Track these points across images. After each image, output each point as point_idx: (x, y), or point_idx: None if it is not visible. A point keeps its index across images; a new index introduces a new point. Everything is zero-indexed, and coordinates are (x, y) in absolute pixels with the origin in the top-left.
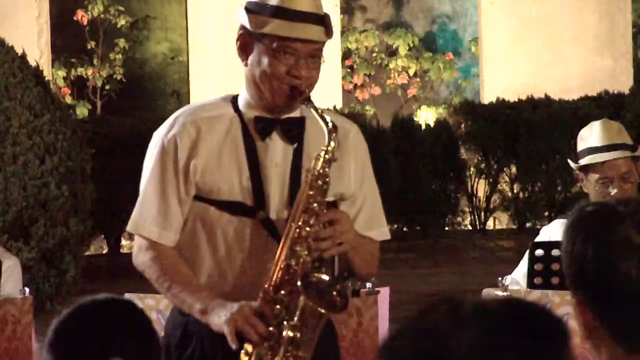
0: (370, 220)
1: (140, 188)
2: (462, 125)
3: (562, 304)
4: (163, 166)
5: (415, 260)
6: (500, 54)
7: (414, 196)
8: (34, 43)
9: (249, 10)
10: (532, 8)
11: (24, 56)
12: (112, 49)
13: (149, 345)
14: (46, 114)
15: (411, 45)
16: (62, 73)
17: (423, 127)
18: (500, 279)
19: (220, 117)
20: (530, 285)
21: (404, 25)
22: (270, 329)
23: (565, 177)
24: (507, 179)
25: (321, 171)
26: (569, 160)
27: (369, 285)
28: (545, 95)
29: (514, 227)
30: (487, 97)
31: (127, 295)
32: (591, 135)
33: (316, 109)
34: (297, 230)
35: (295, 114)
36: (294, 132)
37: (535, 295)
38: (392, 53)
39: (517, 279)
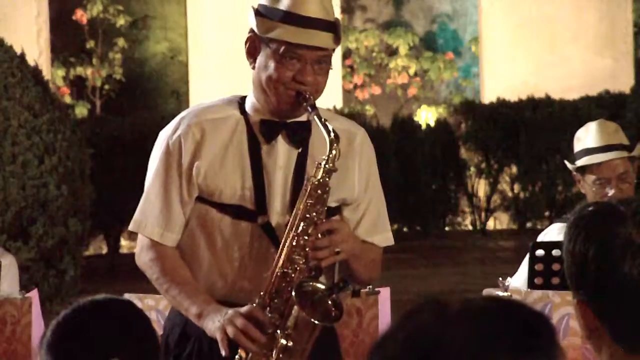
0: (374, 225)
1: (145, 187)
2: (462, 125)
3: (562, 304)
4: (167, 167)
5: (415, 260)
6: (500, 54)
7: (414, 196)
8: (33, 42)
9: (258, 13)
10: (532, 8)
11: (23, 56)
12: (111, 48)
13: (148, 345)
14: (45, 114)
15: (411, 44)
16: (61, 72)
17: (423, 127)
18: (500, 279)
19: (225, 119)
20: (531, 285)
21: (404, 24)
22: (264, 336)
23: (566, 177)
24: (507, 179)
25: (321, 180)
26: (566, 162)
27: (369, 285)
28: (546, 95)
29: (514, 227)
30: (487, 97)
31: (127, 295)
32: (587, 136)
33: (320, 117)
34: (295, 238)
35: (302, 118)
36: (300, 136)
37: (535, 295)
38: (392, 53)
39: (517, 285)
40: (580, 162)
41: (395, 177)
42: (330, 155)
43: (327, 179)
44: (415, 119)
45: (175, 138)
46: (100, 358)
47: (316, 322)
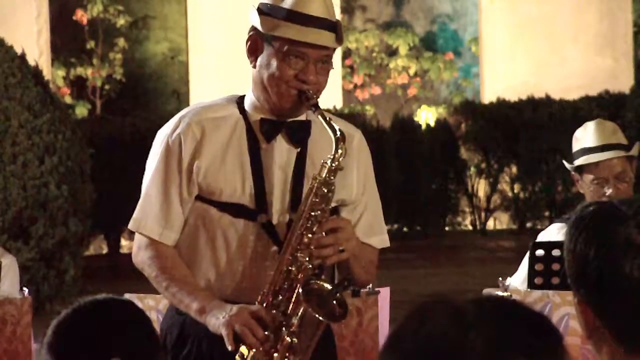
0: (370, 227)
1: (143, 186)
2: (462, 125)
3: (562, 304)
4: (167, 165)
5: (415, 260)
6: (500, 54)
7: (414, 196)
8: (33, 43)
9: (261, 11)
10: (532, 8)
11: (23, 56)
12: (111, 48)
13: (148, 345)
14: (46, 114)
15: (411, 45)
16: (61, 73)
17: (423, 127)
18: (500, 279)
19: (225, 118)
20: (531, 285)
21: (404, 24)
22: (268, 333)
23: (566, 177)
24: (507, 179)
25: (327, 179)
26: (564, 162)
27: (369, 285)
28: (546, 95)
29: (514, 227)
30: (487, 97)
31: (127, 295)
32: (585, 135)
33: (324, 117)
34: (300, 236)
35: (301, 117)
36: (299, 135)
37: (535, 295)
38: (392, 53)
39: (516, 285)
40: (578, 162)
41: (395, 177)
42: (336, 154)
43: (333, 178)
44: (415, 119)
45: (175, 136)
46: (100, 358)
47: (323, 319)
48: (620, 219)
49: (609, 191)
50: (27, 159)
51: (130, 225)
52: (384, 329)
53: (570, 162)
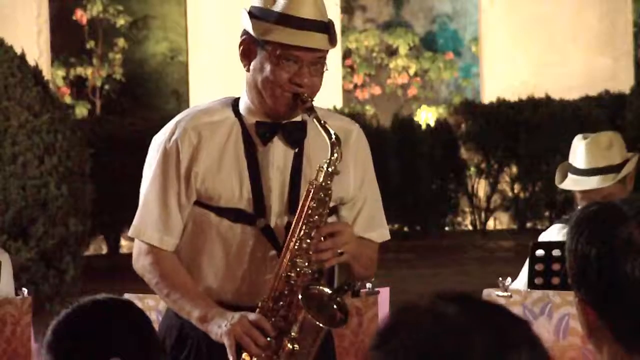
0: (370, 221)
1: (141, 192)
2: (462, 125)
3: (562, 304)
4: (165, 172)
5: (415, 260)
6: (500, 54)
7: (414, 196)
8: (33, 43)
9: (252, 15)
10: (532, 8)
11: (23, 56)
12: (111, 48)
13: (148, 345)
14: (45, 114)
15: (411, 44)
16: (61, 73)
17: (423, 127)
18: (500, 279)
19: (221, 122)
20: (531, 285)
21: (404, 24)
22: (269, 340)
23: None
24: (507, 179)
25: (323, 184)
26: (557, 172)
27: (369, 285)
28: (546, 95)
29: (515, 227)
30: (487, 97)
31: (127, 295)
32: (578, 151)
33: (319, 120)
34: (298, 242)
35: (297, 118)
36: (295, 136)
37: (535, 295)
38: (392, 53)
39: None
40: (564, 185)
41: (395, 177)
42: (332, 159)
43: (329, 182)
44: (415, 119)
45: (173, 142)
46: (100, 358)
47: (323, 325)
48: (622, 219)
49: None
50: (27, 158)
51: (130, 233)
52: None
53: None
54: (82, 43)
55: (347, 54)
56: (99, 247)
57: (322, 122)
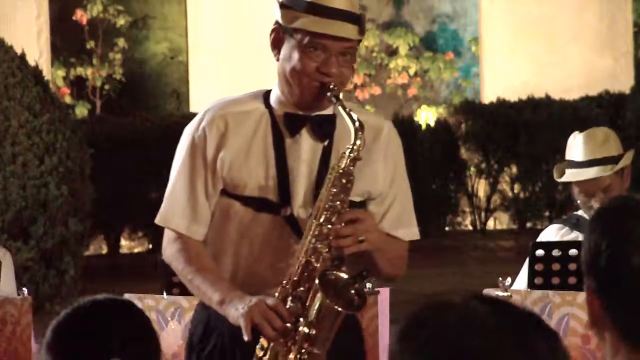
0: (398, 219)
1: (170, 181)
2: (462, 125)
3: (562, 304)
4: (192, 159)
5: (415, 260)
6: (500, 54)
7: (414, 196)
8: (33, 43)
9: (283, 5)
10: (532, 8)
11: (23, 56)
12: (111, 48)
13: (148, 346)
14: (45, 114)
15: (411, 45)
16: (61, 73)
17: (423, 127)
18: (500, 279)
19: (250, 112)
20: (531, 285)
21: (404, 24)
22: (287, 324)
23: None
24: (507, 179)
25: (346, 169)
26: (554, 171)
27: (369, 285)
28: (546, 95)
29: (515, 227)
30: (487, 97)
31: (127, 296)
32: (574, 146)
33: (344, 107)
34: (319, 227)
35: (327, 111)
36: (324, 129)
37: (535, 295)
38: (392, 53)
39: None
40: (563, 178)
41: None
42: (355, 144)
43: (352, 168)
44: (415, 119)
45: (200, 130)
46: (100, 358)
47: (340, 309)
48: (635, 214)
49: (596, 205)
50: (27, 159)
51: (157, 220)
52: (384, 329)
53: (563, 166)
54: (82, 43)
55: None
56: (99, 247)
57: (347, 109)
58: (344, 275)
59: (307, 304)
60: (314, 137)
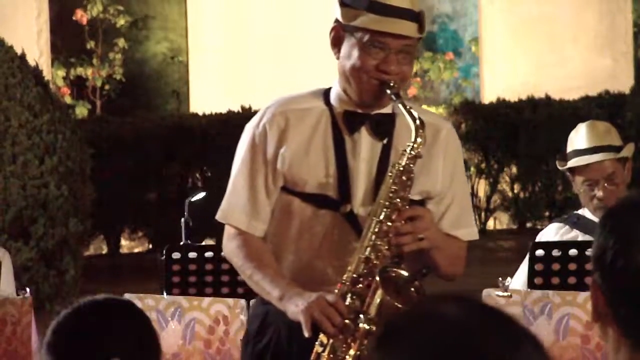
0: (457, 219)
1: (230, 177)
2: (462, 125)
3: (562, 304)
4: (253, 156)
5: None
6: (500, 54)
7: None
8: (33, 43)
9: (343, 3)
10: (532, 8)
11: (23, 56)
12: (111, 48)
13: (148, 345)
14: (45, 114)
15: None
16: (61, 73)
17: None
18: (500, 279)
19: (310, 110)
20: (531, 285)
21: None
22: (346, 321)
23: (566, 177)
24: (507, 179)
25: (406, 167)
26: (557, 162)
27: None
28: (546, 95)
29: (514, 227)
30: (487, 97)
31: (127, 296)
32: (577, 137)
33: (404, 105)
34: (379, 224)
35: (387, 110)
36: (383, 128)
37: (535, 295)
38: None
39: (516, 285)
40: (569, 164)
41: None
42: (416, 142)
43: (412, 165)
44: None
45: (261, 127)
46: (100, 358)
47: (400, 306)
48: None
49: (599, 193)
50: (27, 159)
51: (218, 216)
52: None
53: (564, 162)
54: (82, 43)
55: None
56: (99, 247)
57: (408, 107)
58: (404, 273)
59: (367, 300)
60: (373, 135)
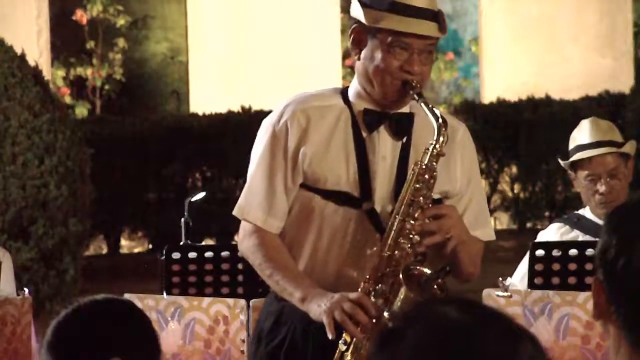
0: (475, 220)
1: (248, 173)
2: None
3: (562, 304)
4: (272, 152)
5: None
6: (500, 54)
7: None
8: (33, 43)
9: (363, 4)
10: (532, 8)
11: (23, 56)
12: (111, 48)
13: (148, 345)
14: (45, 114)
15: None
16: (61, 73)
17: None
18: (500, 279)
19: (330, 107)
20: (531, 285)
21: None
22: (369, 320)
23: (566, 177)
24: (507, 179)
25: (429, 165)
26: (559, 159)
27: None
28: (546, 95)
29: (514, 227)
30: (487, 97)
31: (127, 296)
32: (580, 133)
33: (427, 104)
34: (401, 223)
35: (405, 109)
36: (403, 127)
37: (535, 295)
38: None
39: (515, 282)
40: (572, 158)
41: None
42: (439, 140)
43: (435, 164)
44: None
45: (282, 123)
46: (100, 358)
47: None
48: None
49: (601, 188)
50: (27, 159)
51: (235, 212)
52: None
53: (566, 159)
54: (82, 43)
55: (347, 54)
56: (99, 247)
57: (430, 105)
58: (427, 271)
59: (390, 299)
60: (392, 134)
